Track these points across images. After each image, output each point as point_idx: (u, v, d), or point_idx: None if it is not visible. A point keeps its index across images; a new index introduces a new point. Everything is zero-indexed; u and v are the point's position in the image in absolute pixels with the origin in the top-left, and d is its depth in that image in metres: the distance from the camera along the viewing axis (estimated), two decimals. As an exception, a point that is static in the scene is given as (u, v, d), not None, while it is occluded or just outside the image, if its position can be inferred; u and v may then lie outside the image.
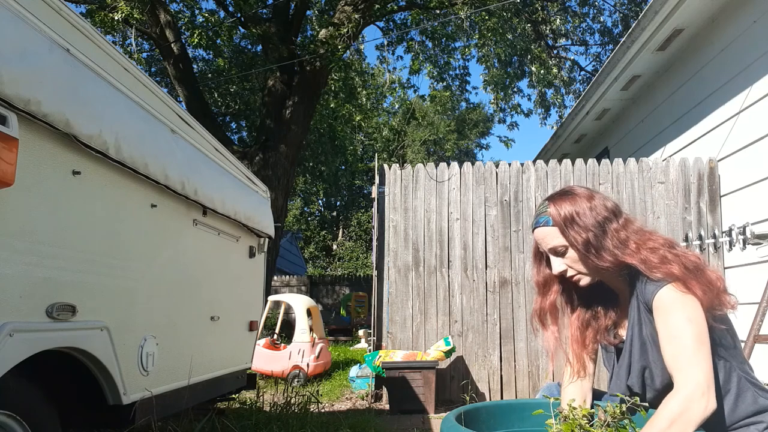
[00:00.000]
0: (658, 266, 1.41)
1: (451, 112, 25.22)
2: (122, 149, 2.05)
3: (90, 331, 1.94)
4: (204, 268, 3.01)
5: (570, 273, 1.54)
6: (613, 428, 1.27)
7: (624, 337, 1.59)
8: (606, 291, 1.62)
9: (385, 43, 10.29)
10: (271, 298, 7.35)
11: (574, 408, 1.35)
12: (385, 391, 4.89)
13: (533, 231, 1.59)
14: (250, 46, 11.18)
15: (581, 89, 12.13)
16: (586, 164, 5.14)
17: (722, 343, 1.45)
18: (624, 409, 1.30)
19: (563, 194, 1.56)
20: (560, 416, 1.35)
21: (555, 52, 11.51)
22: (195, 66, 10.78)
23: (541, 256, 1.64)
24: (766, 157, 4.21)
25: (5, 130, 1.49)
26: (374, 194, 5.33)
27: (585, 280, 1.54)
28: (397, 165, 5.30)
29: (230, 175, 3.35)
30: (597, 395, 1.70)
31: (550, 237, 1.53)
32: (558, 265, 1.54)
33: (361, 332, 11.62)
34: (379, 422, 3.79)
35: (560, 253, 1.53)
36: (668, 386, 1.38)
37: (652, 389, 1.49)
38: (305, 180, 18.57)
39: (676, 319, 1.36)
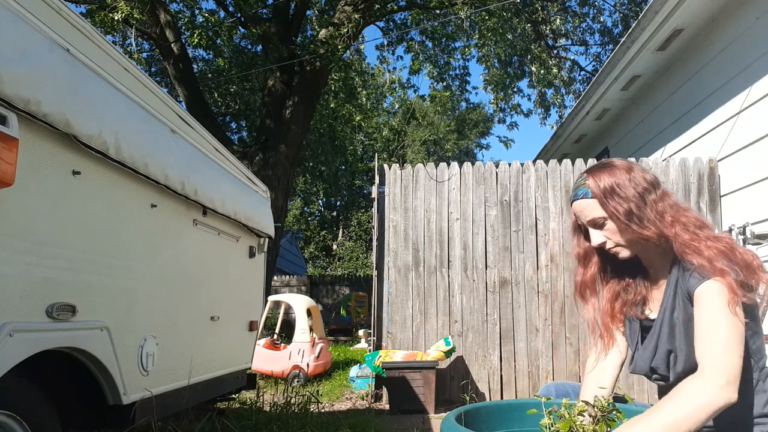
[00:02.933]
0: (689, 244, 1.42)
1: (451, 112, 25.22)
2: (122, 149, 2.05)
3: (90, 331, 1.94)
4: (204, 268, 3.01)
5: (609, 245, 1.54)
6: (602, 422, 1.28)
7: (650, 315, 1.60)
8: (638, 266, 1.62)
9: (385, 43, 10.29)
10: (271, 298, 7.34)
11: (570, 405, 1.35)
12: (385, 391, 4.89)
13: (571, 204, 1.59)
14: (250, 46, 11.18)
15: (581, 89, 12.13)
16: (586, 164, 5.14)
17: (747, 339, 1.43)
18: (611, 401, 1.31)
19: (601, 166, 1.56)
20: (558, 413, 1.35)
21: (555, 52, 11.51)
22: (195, 66, 10.78)
23: (580, 229, 1.64)
24: (766, 157, 4.21)
25: (5, 130, 1.49)
26: (374, 194, 5.33)
27: (624, 253, 1.54)
28: (397, 165, 5.30)
29: (230, 175, 3.35)
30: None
31: (589, 209, 1.52)
32: (597, 237, 1.54)
33: (361, 332, 11.62)
34: (379, 422, 3.79)
35: (599, 225, 1.53)
36: (689, 371, 1.37)
37: (674, 372, 1.50)
38: (305, 180, 18.57)
39: (718, 312, 1.34)
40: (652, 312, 1.60)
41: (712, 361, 1.30)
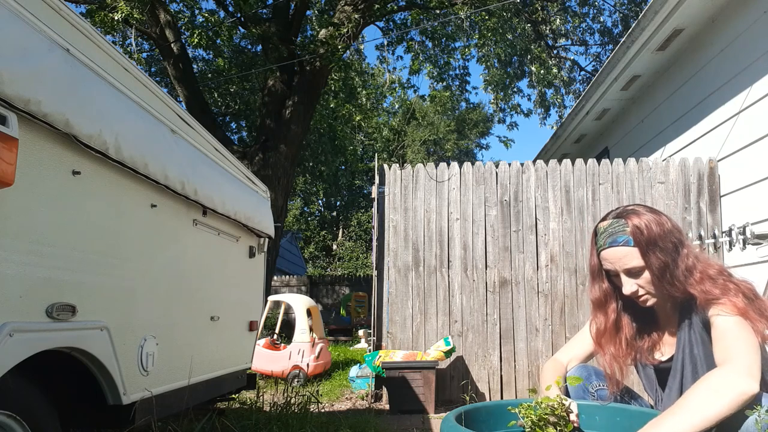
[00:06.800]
0: (719, 297, 1.40)
1: (451, 112, 25.22)
2: (122, 149, 2.05)
3: (90, 331, 1.94)
4: (204, 268, 3.01)
5: (641, 293, 1.51)
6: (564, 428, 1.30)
7: (662, 358, 1.59)
8: (648, 311, 1.60)
9: (385, 43, 10.29)
10: (271, 298, 7.34)
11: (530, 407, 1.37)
12: (385, 391, 4.89)
13: (606, 249, 1.52)
14: (250, 46, 11.18)
15: (581, 89, 12.14)
16: (586, 164, 5.14)
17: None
18: (568, 403, 1.32)
19: (636, 213, 1.51)
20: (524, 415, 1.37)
21: (555, 52, 11.51)
22: (195, 66, 10.77)
23: (602, 273, 1.59)
24: (766, 157, 4.21)
25: (5, 130, 1.49)
26: (374, 194, 5.33)
27: (652, 301, 1.51)
28: (397, 165, 5.30)
29: (230, 175, 3.35)
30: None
31: (629, 257, 1.48)
32: (630, 285, 1.50)
33: (361, 332, 11.62)
34: (379, 422, 3.79)
35: (636, 274, 1.49)
36: None
37: None
38: (305, 180, 18.58)
39: (737, 328, 1.34)
40: (664, 355, 1.58)
41: (734, 357, 1.28)
